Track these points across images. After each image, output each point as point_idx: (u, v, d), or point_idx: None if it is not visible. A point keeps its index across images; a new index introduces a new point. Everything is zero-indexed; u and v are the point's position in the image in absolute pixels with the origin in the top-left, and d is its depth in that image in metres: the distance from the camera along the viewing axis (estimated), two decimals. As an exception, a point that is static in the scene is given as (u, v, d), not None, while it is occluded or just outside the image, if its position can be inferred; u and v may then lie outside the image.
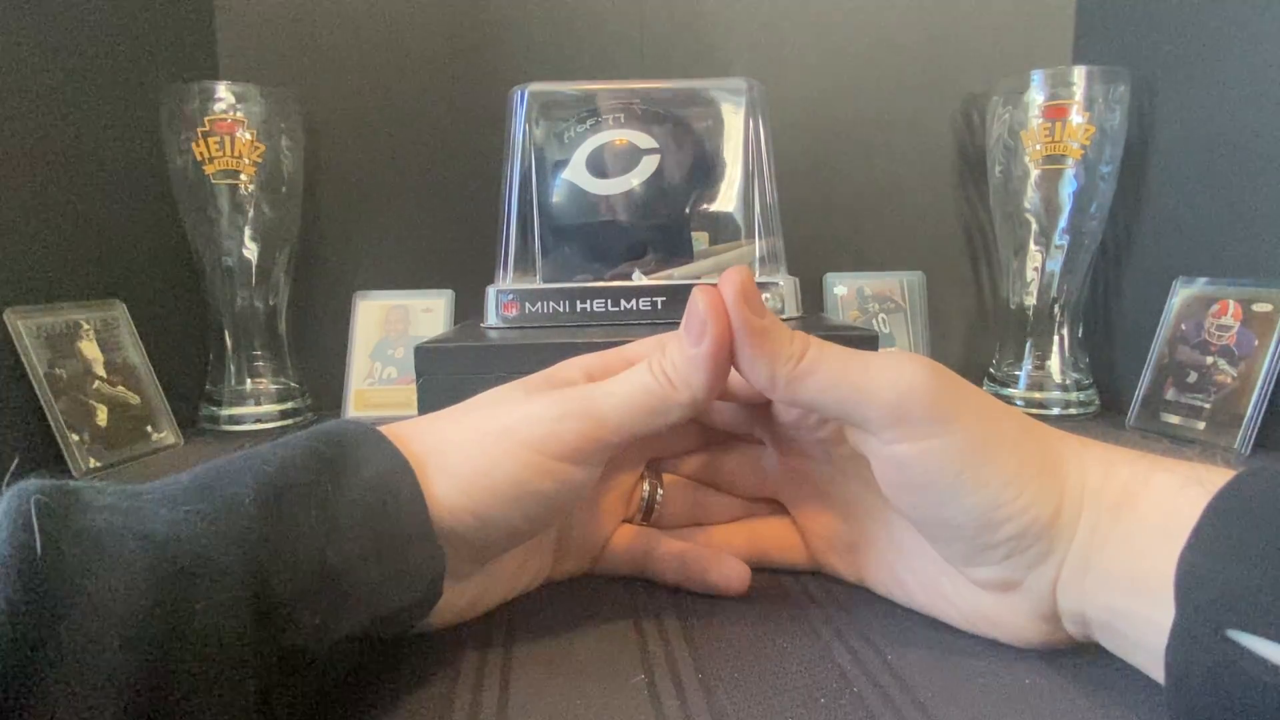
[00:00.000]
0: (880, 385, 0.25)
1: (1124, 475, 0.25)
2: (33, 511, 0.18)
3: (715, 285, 0.27)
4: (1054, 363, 0.66)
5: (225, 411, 0.64)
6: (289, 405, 0.66)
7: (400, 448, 0.26)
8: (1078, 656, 0.27)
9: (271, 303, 0.66)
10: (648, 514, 0.35)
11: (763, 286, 0.52)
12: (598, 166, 0.54)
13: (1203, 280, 0.57)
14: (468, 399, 0.30)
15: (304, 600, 0.22)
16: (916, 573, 0.30)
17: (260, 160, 0.63)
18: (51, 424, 0.50)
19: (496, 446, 0.27)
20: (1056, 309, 0.66)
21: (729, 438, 0.35)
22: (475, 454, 0.27)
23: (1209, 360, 0.55)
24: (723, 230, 0.56)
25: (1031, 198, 0.64)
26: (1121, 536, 0.24)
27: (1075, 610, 0.25)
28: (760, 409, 0.32)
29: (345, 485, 0.24)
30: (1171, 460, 0.25)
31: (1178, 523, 0.22)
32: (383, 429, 0.27)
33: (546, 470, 0.27)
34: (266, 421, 0.65)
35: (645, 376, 0.28)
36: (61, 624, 0.17)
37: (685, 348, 0.27)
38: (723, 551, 0.33)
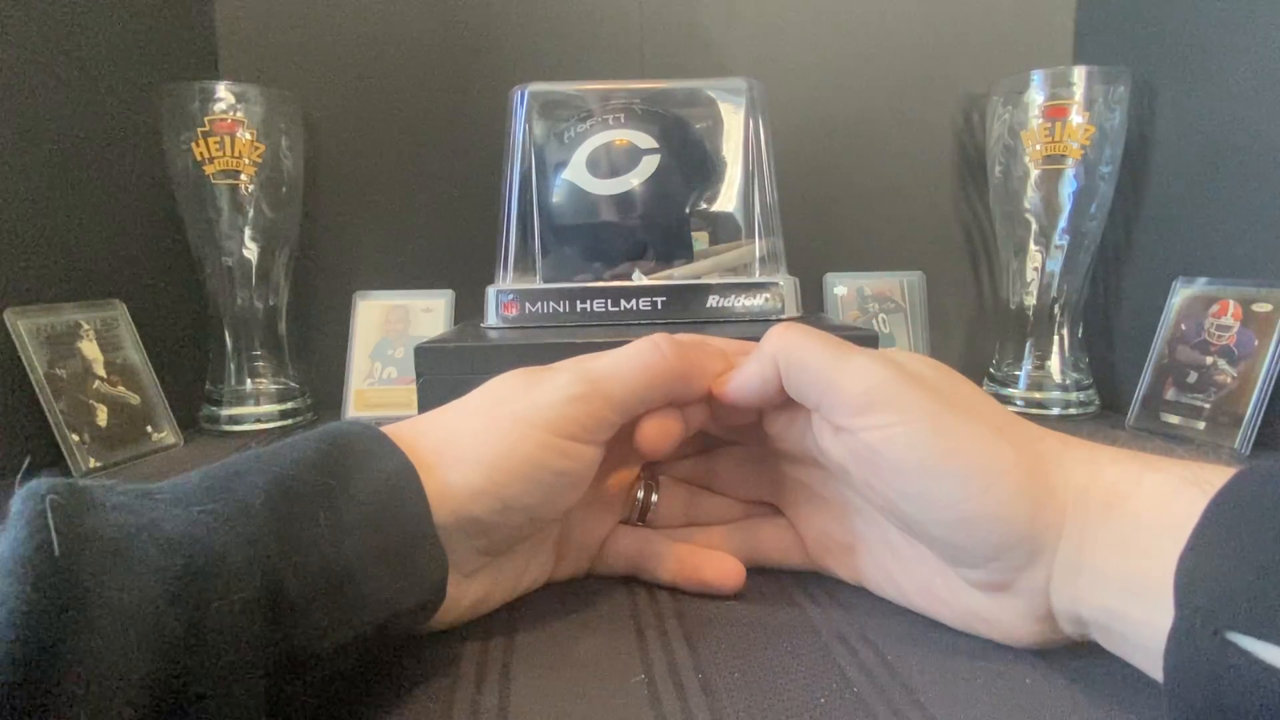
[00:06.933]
0: (850, 377, 0.27)
1: (1112, 474, 0.25)
2: (48, 512, 0.18)
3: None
4: (1054, 363, 0.66)
5: (225, 411, 0.64)
6: (289, 405, 0.66)
7: (409, 447, 0.26)
8: (1078, 656, 0.26)
9: (271, 303, 0.66)
10: (643, 515, 0.35)
11: (763, 286, 0.52)
12: (598, 166, 0.54)
13: (1203, 280, 0.57)
14: (465, 395, 0.30)
15: (314, 601, 0.22)
16: (910, 574, 0.30)
17: (260, 160, 0.63)
18: (51, 424, 0.50)
19: (513, 432, 0.27)
20: (1056, 309, 0.66)
21: (724, 442, 0.35)
22: (492, 440, 0.27)
23: (1209, 360, 0.55)
24: (723, 230, 0.56)
25: (1031, 198, 0.64)
26: (1114, 536, 0.24)
27: (1070, 611, 0.25)
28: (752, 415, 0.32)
29: (352, 488, 0.24)
30: (1162, 459, 0.25)
31: (1175, 524, 0.22)
32: (388, 429, 0.28)
33: (559, 450, 0.28)
34: (266, 421, 0.65)
35: (648, 354, 0.29)
36: (79, 624, 0.17)
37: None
38: (718, 550, 0.33)
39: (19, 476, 0.19)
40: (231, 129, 0.61)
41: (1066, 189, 0.63)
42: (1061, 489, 0.25)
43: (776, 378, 0.29)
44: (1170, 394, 0.57)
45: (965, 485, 0.25)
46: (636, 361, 0.29)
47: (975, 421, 0.26)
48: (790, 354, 0.28)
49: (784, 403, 0.30)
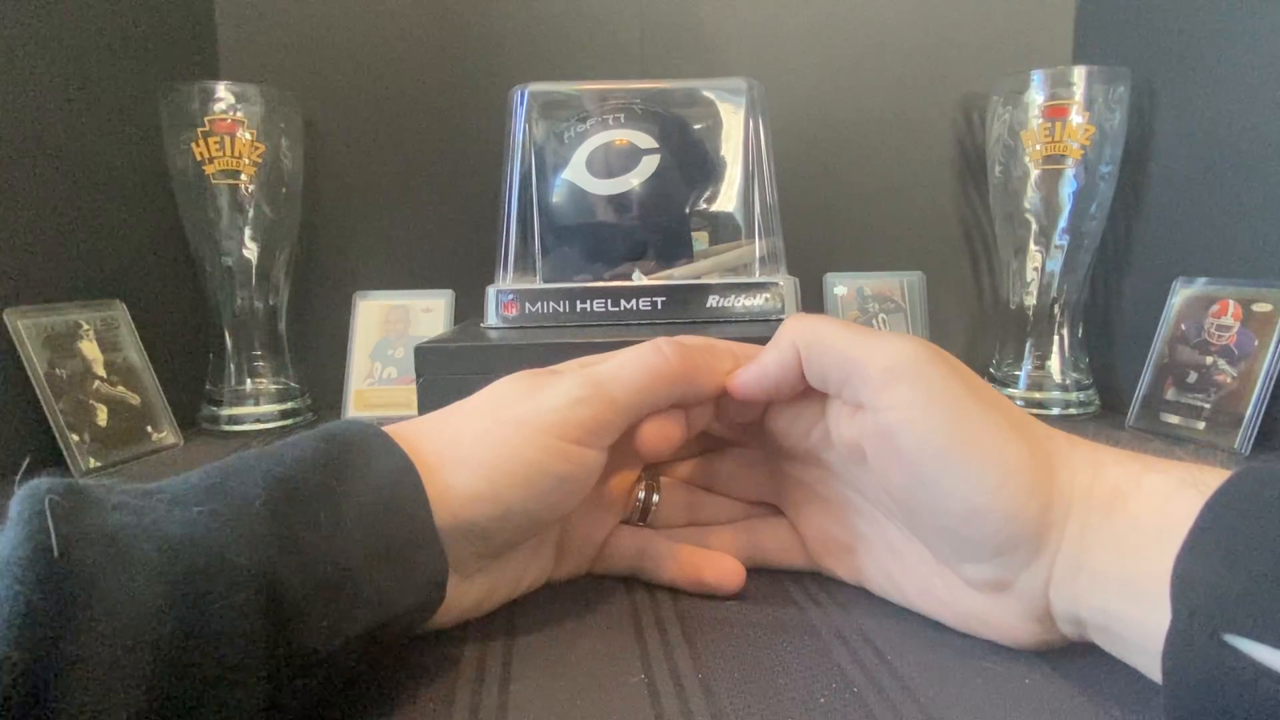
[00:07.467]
0: (876, 352, 0.27)
1: (1114, 475, 0.25)
2: (47, 512, 0.18)
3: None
4: (1054, 363, 0.66)
5: (225, 411, 0.64)
6: (289, 405, 0.66)
7: (410, 447, 0.26)
8: (1078, 656, 0.26)
9: (271, 303, 0.66)
10: (643, 515, 0.35)
11: (763, 286, 0.52)
12: (598, 166, 0.54)
13: (1203, 280, 0.57)
14: (468, 397, 0.30)
15: (314, 601, 0.22)
16: (911, 574, 0.30)
17: (260, 160, 0.63)
18: (51, 424, 0.50)
19: (516, 435, 0.27)
20: (1056, 309, 0.66)
21: (725, 442, 0.35)
22: (494, 443, 0.27)
23: (1209, 360, 0.55)
24: (723, 230, 0.56)
25: (1031, 198, 0.64)
26: (1114, 538, 0.24)
27: (1069, 612, 0.25)
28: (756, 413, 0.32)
29: (352, 487, 0.24)
30: (1163, 461, 0.25)
31: (1173, 525, 0.22)
32: (390, 429, 0.28)
33: (563, 454, 0.27)
34: (266, 421, 0.65)
35: (652, 357, 0.29)
36: (79, 625, 0.17)
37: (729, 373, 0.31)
38: (718, 551, 0.33)
39: (19, 476, 0.19)
40: (231, 129, 0.61)
41: (1066, 189, 0.63)
42: (1067, 489, 0.25)
43: (796, 364, 0.29)
44: (1170, 394, 0.57)
45: (981, 478, 0.25)
46: (640, 365, 0.29)
47: (994, 413, 0.26)
48: (811, 335, 0.29)
49: (791, 397, 0.30)
